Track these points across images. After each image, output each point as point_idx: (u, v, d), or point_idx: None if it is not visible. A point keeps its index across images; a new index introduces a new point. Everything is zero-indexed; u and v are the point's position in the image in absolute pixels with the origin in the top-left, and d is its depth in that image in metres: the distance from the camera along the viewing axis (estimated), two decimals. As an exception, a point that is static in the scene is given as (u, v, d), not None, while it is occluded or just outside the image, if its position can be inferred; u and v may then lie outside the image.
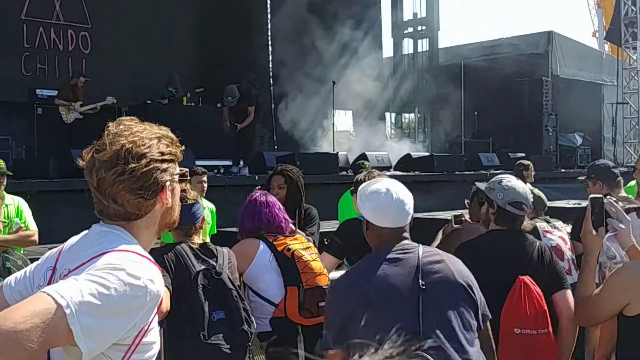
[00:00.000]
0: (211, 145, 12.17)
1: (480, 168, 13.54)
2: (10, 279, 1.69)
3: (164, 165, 1.61)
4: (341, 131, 16.11)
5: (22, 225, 5.11)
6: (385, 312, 2.22)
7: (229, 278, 3.01)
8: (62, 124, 10.53)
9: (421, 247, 2.42)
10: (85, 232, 1.66)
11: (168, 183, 1.62)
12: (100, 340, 1.39)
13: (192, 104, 13.20)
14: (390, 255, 2.33)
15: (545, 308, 2.91)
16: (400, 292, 2.27)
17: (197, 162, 9.71)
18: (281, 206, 3.67)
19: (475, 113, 17.71)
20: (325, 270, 3.52)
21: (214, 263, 3.02)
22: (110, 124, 1.63)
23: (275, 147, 14.58)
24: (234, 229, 5.61)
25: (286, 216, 3.65)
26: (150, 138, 1.60)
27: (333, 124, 13.56)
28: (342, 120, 17.79)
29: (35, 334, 1.28)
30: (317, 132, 14.80)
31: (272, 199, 3.67)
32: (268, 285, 3.45)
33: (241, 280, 3.44)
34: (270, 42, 15.94)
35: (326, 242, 7.69)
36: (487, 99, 17.64)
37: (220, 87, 14.36)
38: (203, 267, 2.98)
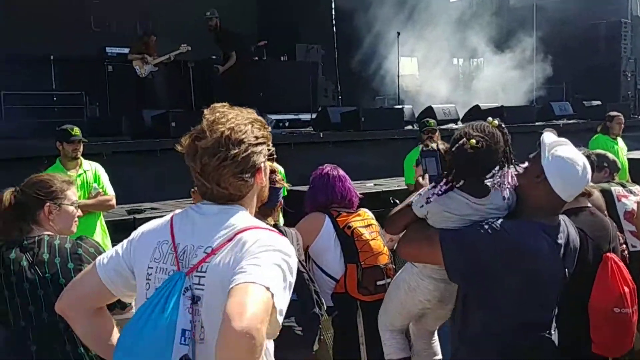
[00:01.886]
0: (274, 98, 12.24)
1: (553, 118, 13.07)
2: (102, 258, 1.81)
3: (259, 148, 1.73)
4: (405, 75, 15.76)
5: (100, 190, 5.37)
6: (526, 283, 2.30)
7: (299, 261, 3.09)
8: (134, 82, 10.77)
9: (569, 225, 2.44)
10: (192, 208, 1.76)
11: (263, 164, 1.76)
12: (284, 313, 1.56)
13: (256, 58, 13.21)
14: (550, 230, 2.35)
15: (634, 285, 2.89)
16: (547, 273, 2.34)
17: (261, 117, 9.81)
18: (350, 181, 3.71)
19: (548, 58, 16.99)
20: (385, 249, 3.55)
21: None
22: (206, 111, 1.75)
23: (340, 97, 14.50)
24: (300, 188, 5.69)
25: (356, 191, 3.69)
26: (245, 124, 1.72)
27: (398, 76, 13.32)
28: (408, 65, 17.40)
29: (265, 325, 1.45)
30: (382, 82, 14.57)
31: (343, 172, 3.71)
32: (330, 261, 3.53)
33: (307, 254, 3.52)
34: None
35: (392, 201, 7.76)
36: (561, 43, 16.85)
37: (283, 40, 14.37)
38: None
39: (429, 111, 11.26)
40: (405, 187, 7.05)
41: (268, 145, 1.78)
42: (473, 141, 2.36)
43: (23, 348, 2.32)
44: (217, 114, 1.72)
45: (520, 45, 16.44)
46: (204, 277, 1.64)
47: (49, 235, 2.44)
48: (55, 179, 2.56)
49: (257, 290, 1.47)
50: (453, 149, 2.43)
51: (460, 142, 2.39)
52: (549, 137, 2.41)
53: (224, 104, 1.78)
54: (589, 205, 3.11)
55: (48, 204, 2.47)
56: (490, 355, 2.35)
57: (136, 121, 9.09)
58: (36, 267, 2.33)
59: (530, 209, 2.37)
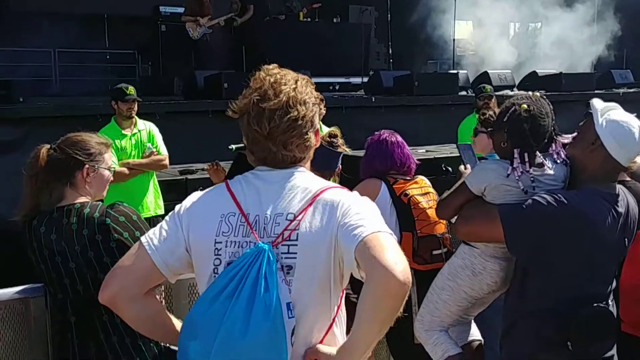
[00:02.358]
0: (325, 61, 12.09)
1: (613, 86, 12.61)
2: (151, 239, 1.68)
3: (316, 109, 1.74)
4: (460, 39, 15.36)
5: (154, 149, 5.41)
6: (587, 253, 2.28)
7: None
8: (186, 42, 10.78)
9: (628, 195, 2.40)
10: (251, 175, 1.70)
11: (319, 126, 1.76)
12: None
13: (309, 19, 13.05)
14: (609, 197, 2.32)
15: None
16: (608, 241, 2.31)
17: (313, 80, 9.71)
18: (408, 147, 3.62)
19: (609, 23, 16.28)
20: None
21: None
22: (260, 73, 1.70)
23: (391, 60, 14.24)
24: (351, 153, 5.60)
25: (414, 158, 3.60)
26: (304, 84, 1.71)
27: (454, 40, 12.98)
28: (463, 29, 16.94)
29: None
30: (436, 46, 14.23)
31: (401, 138, 3.61)
32: (385, 228, 3.45)
33: None
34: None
35: (444, 168, 7.62)
36: (622, 9, 16.10)
37: (336, 1, 14.11)
38: None
39: (484, 77, 10.98)
40: (458, 155, 6.88)
41: (321, 105, 1.78)
42: (524, 106, 2.36)
43: (64, 318, 2.31)
44: (277, 76, 1.68)
45: (581, 9, 15.80)
46: (295, 245, 1.60)
47: (80, 203, 2.31)
48: (94, 140, 2.42)
49: (388, 237, 1.53)
50: (505, 119, 2.42)
51: (512, 109, 2.40)
52: (598, 102, 2.37)
53: (274, 65, 1.74)
54: (628, 179, 3.03)
55: (87, 165, 2.34)
56: (550, 328, 2.31)
57: (189, 82, 9.11)
58: (66, 240, 2.24)
59: (587, 177, 2.34)
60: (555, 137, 2.42)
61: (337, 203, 1.62)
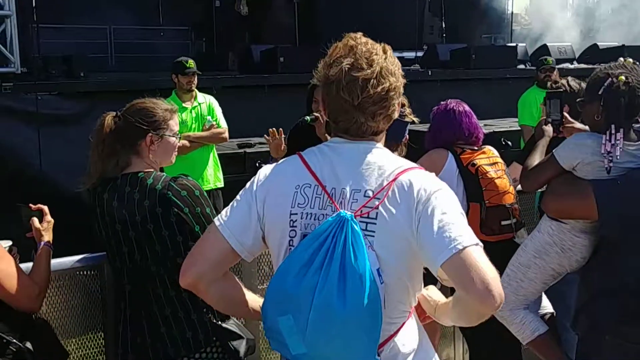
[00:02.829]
0: (380, 35, 11.78)
1: (680, 58, 12.07)
2: (224, 221, 1.65)
3: (403, 80, 1.69)
4: (515, 13, 14.96)
5: (214, 122, 5.45)
6: None
7: None
8: (239, 17, 10.81)
9: None
10: (326, 147, 1.66)
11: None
12: None
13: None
14: None
15: None
16: None
17: (367, 54, 9.64)
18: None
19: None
20: (511, 189, 3.38)
21: None
22: (349, 41, 1.64)
23: (444, 35, 13.98)
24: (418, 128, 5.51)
25: (482, 128, 3.52)
26: (392, 56, 1.66)
27: (512, 13, 12.65)
28: (518, 2, 16.51)
29: None
30: (491, 20, 13.90)
31: (468, 108, 3.53)
32: (452, 199, 3.39)
33: None
34: None
35: (504, 142, 7.47)
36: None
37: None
38: None
39: (543, 50, 10.67)
40: (519, 128, 6.74)
41: None
42: (622, 77, 2.24)
43: (120, 287, 2.32)
44: (368, 45, 1.63)
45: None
46: (374, 224, 1.55)
47: (144, 172, 2.27)
48: (159, 107, 2.36)
49: (480, 252, 1.50)
50: (600, 91, 2.28)
51: (608, 82, 2.27)
52: None
53: (360, 33, 1.68)
54: None
55: (150, 134, 2.29)
56: (637, 303, 2.25)
57: (244, 56, 9.13)
58: (127, 208, 2.21)
59: None
60: None
61: (419, 190, 1.55)
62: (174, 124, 2.38)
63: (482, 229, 3.31)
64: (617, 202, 2.22)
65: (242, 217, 1.65)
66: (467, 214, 3.33)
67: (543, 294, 2.91)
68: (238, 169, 6.07)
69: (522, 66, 10.31)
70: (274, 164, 1.71)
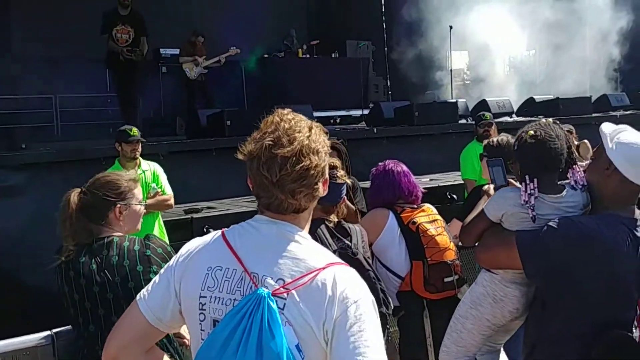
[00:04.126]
0: (325, 95, 12.22)
1: (609, 109, 12.68)
2: (144, 295, 1.68)
3: (328, 157, 1.68)
4: (456, 69, 15.51)
5: (159, 189, 5.41)
6: (606, 278, 2.23)
7: (364, 258, 3.02)
8: (185, 82, 10.89)
9: None
10: (248, 226, 1.64)
11: (327, 175, 1.68)
12: None
13: (307, 55, 13.23)
14: (628, 222, 2.27)
15: None
16: (627, 266, 2.26)
17: (314, 114, 9.82)
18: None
19: (603, 48, 16.45)
20: (452, 245, 3.45)
21: (349, 242, 3.02)
22: (275, 117, 1.64)
23: (390, 92, 14.37)
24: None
25: (420, 186, 3.61)
26: (318, 133, 1.65)
27: (451, 70, 13.12)
28: (458, 59, 17.12)
29: None
30: (433, 77, 14.39)
31: (406, 168, 3.63)
32: (394, 258, 3.45)
33: (370, 251, 3.45)
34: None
35: (449, 196, 7.62)
36: (615, 34, 16.30)
37: (333, 37, 14.31)
38: (339, 246, 2.99)
39: (483, 104, 11.06)
40: (462, 182, 6.92)
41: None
42: (531, 132, 2.40)
43: (91, 353, 2.30)
44: (292, 122, 1.61)
45: (575, 35, 15.99)
46: (282, 313, 1.53)
47: (118, 236, 2.40)
48: (123, 179, 2.50)
49: None
50: (516, 147, 2.45)
51: (519, 137, 2.44)
52: (607, 126, 2.35)
53: (289, 109, 1.67)
54: None
55: (119, 205, 2.42)
56: (572, 354, 2.28)
57: (191, 121, 9.18)
58: (105, 271, 2.30)
59: (605, 202, 2.32)
60: (573, 163, 2.41)
61: (341, 294, 1.53)
62: (138, 192, 2.52)
63: (426, 287, 3.37)
64: (539, 252, 2.28)
65: (162, 293, 1.66)
66: (410, 272, 3.41)
67: (502, 350, 2.96)
68: (185, 235, 6.01)
69: (463, 121, 10.64)
70: (199, 240, 1.70)
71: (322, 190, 1.64)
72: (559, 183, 2.44)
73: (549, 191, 2.40)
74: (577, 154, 2.48)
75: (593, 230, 2.23)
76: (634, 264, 2.27)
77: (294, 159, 1.57)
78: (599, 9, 16.24)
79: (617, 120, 11.28)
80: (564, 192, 2.40)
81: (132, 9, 8.80)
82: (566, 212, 2.36)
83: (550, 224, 2.27)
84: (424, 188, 6.39)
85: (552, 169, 2.42)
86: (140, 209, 2.53)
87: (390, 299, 3.07)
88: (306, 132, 1.61)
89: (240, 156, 1.64)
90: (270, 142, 1.58)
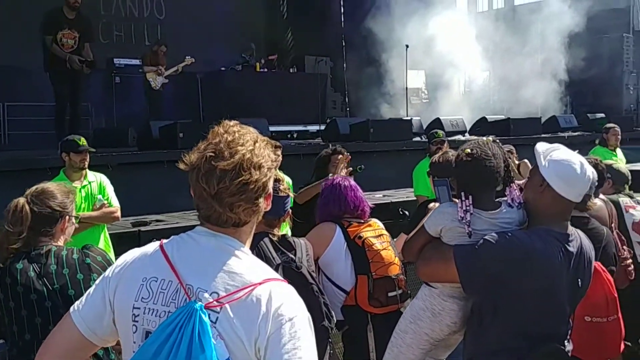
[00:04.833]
0: (283, 110, 12.24)
1: (558, 130, 13.03)
2: (78, 305, 1.65)
3: (272, 173, 1.64)
4: (413, 88, 15.77)
5: (105, 201, 5.28)
6: (540, 291, 2.30)
7: (308, 272, 3.01)
8: (141, 93, 10.77)
9: (582, 236, 2.43)
10: (187, 237, 1.62)
11: (271, 190, 1.65)
12: None
13: (265, 70, 13.24)
14: (560, 237, 2.35)
15: (616, 295, 2.94)
16: (561, 279, 2.33)
17: (271, 128, 9.81)
18: (361, 190, 3.64)
19: (554, 71, 16.97)
20: (397, 260, 3.47)
21: (293, 256, 3.01)
22: (219, 129, 1.62)
23: (348, 109, 14.49)
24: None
25: (367, 201, 3.63)
26: (263, 147, 1.62)
27: (406, 88, 13.30)
28: (414, 78, 17.41)
29: None
30: (390, 94, 14.57)
31: (354, 182, 3.65)
32: (340, 272, 3.45)
33: (317, 265, 3.44)
34: (342, 4, 15.71)
35: (401, 212, 7.68)
36: (565, 57, 16.85)
37: (294, 54, 14.40)
38: (283, 259, 2.97)
39: (436, 123, 11.24)
40: (415, 198, 6.98)
41: (278, 152, 1.72)
42: (468, 150, 2.47)
43: None
44: (236, 134, 1.59)
45: (526, 59, 16.44)
46: (213, 327, 1.50)
47: (56, 246, 2.41)
48: (64, 190, 2.54)
49: None
50: (454, 165, 2.54)
51: (457, 153, 2.53)
52: (541, 145, 2.46)
53: (235, 122, 1.65)
54: (586, 215, 3.15)
55: (66, 217, 2.47)
56: None
57: (143, 132, 9.06)
58: (44, 279, 2.30)
59: (540, 218, 2.40)
60: (511, 182, 2.49)
61: (276, 310, 1.51)
62: (74, 205, 2.56)
63: (370, 301, 3.37)
64: (475, 265, 2.34)
65: (96, 304, 1.62)
66: (355, 286, 3.41)
67: None
68: (132, 248, 5.91)
69: (417, 138, 10.78)
70: (136, 250, 1.67)
71: (264, 205, 1.62)
72: (496, 200, 2.49)
73: (486, 207, 2.46)
74: (516, 172, 2.54)
75: (527, 244, 2.29)
76: (566, 279, 2.33)
77: (234, 172, 1.55)
78: (551, 32, 16.78)
79: (565, 141, 11.63)
80: (501, 209, 2.46)
81: (79, 12, 8.24)
82: (502, 227, 2.41)
83: (487, 238, 2.33)
84: (377, 204, 6.47)
85: (488, 186, 2.48)
86: (75, 222, 2.58)
87: (333, 313, 3.07)
88: (249, 146, 1.58)
89: (182, 166, 1.62)
90: (211, 154, 1.56)
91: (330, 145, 5.15)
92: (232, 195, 1.55)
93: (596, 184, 3.07)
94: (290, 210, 3.23)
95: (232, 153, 1.55)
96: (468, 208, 2.41)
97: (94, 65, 8.47)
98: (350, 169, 5.06)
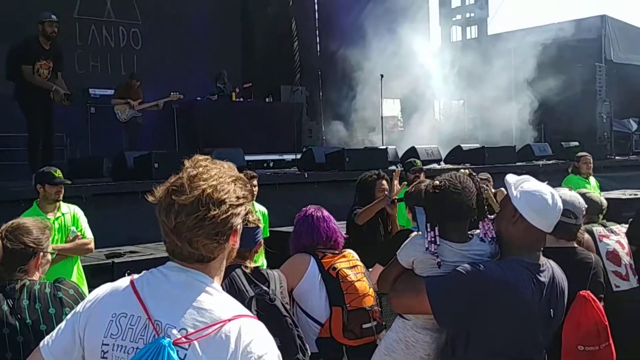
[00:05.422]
0: (260, 139, 12.26)
1: (533, 158, 13.20)
2: (48, 340, 1.64)
3: (239, 209, 1.61)
4: (388, 116, 15.93)
5: (79, 233, 5.24)
6: (512, 322, 2.31)
7: (282, 304, 2.99)
8: (116, 123, 10.73)
9: (554, 267, 2.46)
10: (158, 272, 1.62)
11: (239, 225, 1.63)
12: None
13: (241, 99, 13.29)
14: (531, 267, 2.37)
15: (606, 323, 2.94)
16: (533, 310, 2.34)
17: (247, 157, 9.81)
18: (335, 221, 3.65)
19: (528, 100, 17.27)
20: (371, 291, 3.47)
21: (266, 288, 3.00)
22: (187, 163, 1.62)
23: (324, 138, 14.56)
24: (285, 229, 5.55)
25: (341, 231, 3.63)
26: (228, 182, 1.60)
27: (382, 117, 13.43)
28: (390, 107, 17.60)
29: None
30: (366, 123, 14.71)
31: (327, 213, 3.65)
32: (315, 304, 3.44)
33: (291, 297, 3.42)
34: (317, 34, 15.91)
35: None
36: (540, 86, 17.18)
37: (270, 83, 14.47)
38: (256, 292, 2.95)
39: (412, 151, 11.32)
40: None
41: (247, 204, 1.66)
42: (436, 182, 2.50)
43: None
44: (200, 169, 1.59)
45: (501, 87, 16.73)
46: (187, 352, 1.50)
47: (29, 280, 2.41)
48: (39, 225, 2.55)
49: None
50: (423, 196, 2.57)
51: (426, 185, 2.56)
52: (511, 177, 2.48)
53: (206, 157, 1.65)
54: (574, 245, 3.18)
55: (39, 253, 2.47)
56: None
57: (118, 163, 9.00)
58: (17, 314, 2.30)
59: (512, 249, 2.42)
60: (484, 216, 2.50)
61: (245, 348, 1.49)
62: (50, 241, 2.55)
63: (345, 333, 3.36)
64: (447, 297, 2.35)
65: (66, 340, 1.61)
66: (329, 318, 3.40)
67: None
68: (105, 281, 5.77)
69: (393, 167, 10.83)
70: (108, 285, 1.66)
71: (231, 241, 1.61)
72: (469, 233, 2.52)
73: (456, 239, 2.48)
74: (494, 201, 2.56)
75: (498, 275, 2.31)
76: (538, 309, 2.35)
77: (191, 207, 1.54)
78: (525, 62, 17.12)
79: (539, 170, 11.83)
80: (472, 241, 2.49)
81: (54, 41, 8.19)
82: (474, 259, 2.43)
83: (458, 269, 2.34)
84: (353, 233, 6.45)
85: (457, 218, 2.50)
86: (49, 257, 2.59)
87: (307, 346, 3.04)
88: (212, 181, 1.57)
89: (150, 199, 1.62)
90: (173, 188, 1.57)
91: (374, 170, 5.49)
92: (190, 230, 1.54)
93: (584, 213, 3.13)
94: (262, 241, 3.23)
95: (193, 188, 1.55)
96: (433, 239, 2.44)
97: (72, 98, 8.37)
98: (405, 183, 5.14)
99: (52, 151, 8.51)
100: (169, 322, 1.52)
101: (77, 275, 5.24)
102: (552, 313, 2.40)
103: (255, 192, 6.18)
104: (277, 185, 9.20)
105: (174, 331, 1.51)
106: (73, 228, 5.23)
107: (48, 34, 8.06)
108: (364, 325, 3.37)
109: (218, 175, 1.59)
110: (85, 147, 11.44)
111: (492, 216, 2.52)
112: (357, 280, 3.46)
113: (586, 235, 3.84)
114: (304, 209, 3.72)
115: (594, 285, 3.02)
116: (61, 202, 5.30)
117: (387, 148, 11.52)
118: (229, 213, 1.58)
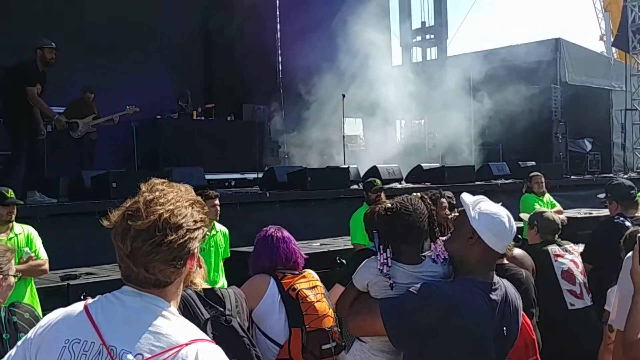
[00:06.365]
0: (221, 158, 12.20)
1: (491, 177, 13.43)
2: None
3: (196, 234, 1.59)
4: (350, 135, 16.05)
5: (33, 254, 5.11)
6: (465, 341, 2.32)
7: (239, 324, 2.96)
8: (74, 141, 10.55)
9: (507, 285, 2.47)
10: (113, 297, 1.59)
11: (196, 249, 1.61)
12: None
13: (202, 118, 13.21)
14: (483, 286, 2.38)
15: (534, 337, 3.04)
16: (485, 328, 2.35)
17: (207, 177, 9.73)
18: (295, 242, 3.64)
19: (486, 120, 17.61)
20: (330, 312, 3.47)
21: (222, 309, 2.96)
22: (143, 187, 1.59)
23: (285, 157, 14.56)
24: (246, 249, 5.50)
25: (301, 252, 3.62)
26: (185, 206, 1.58)
27: (343, 136, 13.51)
28: (352, 126, 17.76)
29: None
30: (328, 142, 14.76)
31: (287, 233, 3.63)
32: (274, 325, 3.41)
33: (250, 318, 3.39)
34: (280, 54, 15.98)
35: (338, 261, 7.68)
36: (497, 107, 17.55)
37: (231, 102, 14.44)
38: (211, 314, 2.92)
39: (373, 171, 11.40)
40: (352, 247, 7.02)
41: (204, 228, 1.64)
42: (388, 204, 2.55)
43: None
44: (156, 193, 1.57)
45: (460, 107, 17.02)
46: None
47: None
48: (2, 248, 2.53)
49: None
50: (375, 219, 2.59)
51: (378, 208, 2.59)
52: (467, 196, 2.49)
53: (163, 180, 1.63)
54: (506, 262, 3.29)
55: (1, 276, 2.44)
56: None
57: (75, 182, 8.82)
58: None
59: (467, 268, 2.43)
60: (436, 237, 2.55)
61: None
62: (13, 263, 2.50)
63: (304, 355, 3.34)
64: (400, 318, 2.36)
65: None
66: (289, 339, 3.37)
67: None
68: (60, 304, 5.58)
69: (355, 186, 10.89)
70: (61, 310, 1.62)
71: (188, 265, 1.58)
72: (422, 254, 2.55)
73: (408, 261, 2.52)
74: (448, 223, 2.61)
75: (449, 295, 2.33)
76: (492, 327, 2.37)
77: (147, 233, 1.52)
78: (483, 82, 17.48)
79: (497, 188, 12.02)
80: (424, 262, 2.52)
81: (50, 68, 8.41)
82: (425, 281, 2.45)
83: (410, 290, 2.36)
84: (314, 252, 6.44)
85: (409, 240, 2.54)
86: (13, 280, 2.53)
87: None
88: (169, 206, 1.55)
89: (105, 223, 1.59)
90: (129, 213, 1.54)
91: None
92: (146, 256, 1.52)
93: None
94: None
95: (149, 213, 1.53)
96: (385, 261, 2.47)
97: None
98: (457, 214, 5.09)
99: (8, 171, 8.41)
100: (124, 348, 1.49)
101: (31, 298, 5.09)
102: (505, 331, 2.41)
103: (218, 212, 6.14)
104: (238, 204, 9.14)
105: (130, 356, 1.48)
106: (27, 249, 5.11)
107: (47, 59, 8.21)
108: (324, 346, 3.36)
109: (175, 199, 1.58)
110: (41, 166, 11.16)
111: (444, 238, 2.55)
112: (317, 301, 3.45)
113: (517, 251, 3.91)
114: (264, 229, 3.70)
115: (524, 300, 3.08)
116: (14, 223, 5.18)
117: (348, 167, 11.58)
118: (187, 237, 1.56)
